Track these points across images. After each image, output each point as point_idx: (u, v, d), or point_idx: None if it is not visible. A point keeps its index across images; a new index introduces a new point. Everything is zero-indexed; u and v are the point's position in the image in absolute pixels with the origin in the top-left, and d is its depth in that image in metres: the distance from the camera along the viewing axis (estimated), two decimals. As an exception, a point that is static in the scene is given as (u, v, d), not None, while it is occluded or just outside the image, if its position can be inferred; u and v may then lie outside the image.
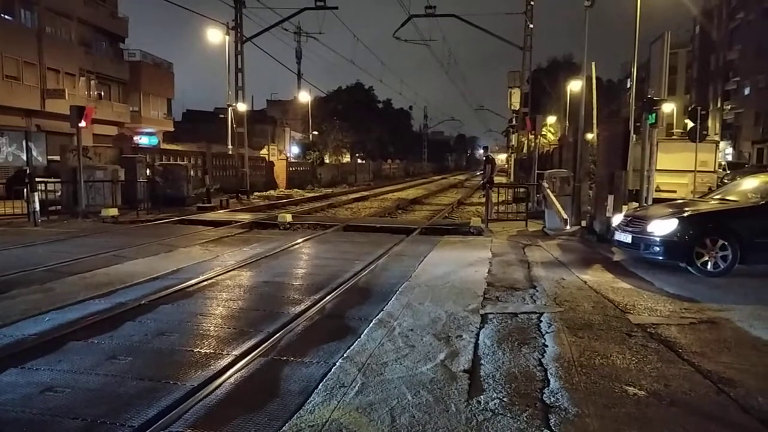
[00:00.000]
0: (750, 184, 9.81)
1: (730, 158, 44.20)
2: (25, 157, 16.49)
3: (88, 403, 3.82)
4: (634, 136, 11.71)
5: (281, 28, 29.76)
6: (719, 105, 54.69)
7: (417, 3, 29.73)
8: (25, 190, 14.33)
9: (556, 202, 13.01)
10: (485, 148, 20.14)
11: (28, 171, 16.10)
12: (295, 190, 30.60)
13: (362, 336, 5.18)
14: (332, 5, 27.23)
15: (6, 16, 30.05)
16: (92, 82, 36.74)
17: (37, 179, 14.56)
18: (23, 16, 31.30)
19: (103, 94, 37.80)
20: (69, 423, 3.55)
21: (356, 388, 4.01)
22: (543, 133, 33.73)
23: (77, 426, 3.52)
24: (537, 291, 7.12)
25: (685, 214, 8.73)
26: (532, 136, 26.66)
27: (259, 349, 4.85)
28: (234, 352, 4.81)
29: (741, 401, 3.94)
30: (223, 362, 4.57)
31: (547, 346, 4.99)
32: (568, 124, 32.22)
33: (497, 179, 24.46)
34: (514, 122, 33.76)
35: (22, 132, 29.06)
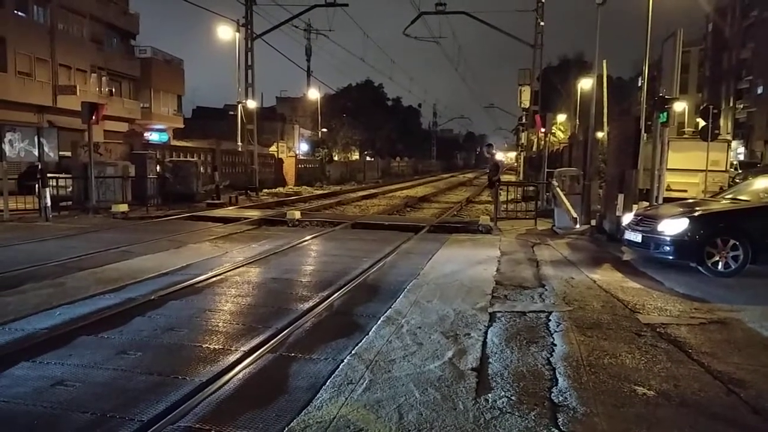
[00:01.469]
0: (762, 183, 9.72)
1: (742, 157, 43.78)
2: (36, 153, 16.64)
3: (98, 397, 3.85)
4: (645, 134, 11.64)
5: (291, 26, 29.83)
6: (731, 104, 54.19)
7: (427, 0, 29.67)
8: (36, 185, 14.44)
9: (566, 201, 12.95)
10: (489, 146, 20.01)
11: (39, 167, 16.22)
12: (304, 187, 30.64)
13: (370, 333, 5.19)
14: (342, 2, 27.27)
15: (19, 13, 30.28)
16: (103, 78, 36.96)
17: (48, 175, 14.67)
18: (36, 12, 31.54)
19: (114, 90, 38.02)
20: (79, 417, 3.58)
21: (364, 385, 4.02)
22: (553, 131, 33.58)
23: (87, 420, 3.54)
24: (546, 290, 7.09)
25: (696, 214, 8.66)
26: (542, 135, 26.54)
27: (267, 346, 4.86)
28: (242, 348, 4.83)
29: (752, 402, 3.91)
30: (232, 358, 4.59)
31: (555, 345, 4.97)
32: (578, 123, 32.05)
33: (505, 177, 24.37)
34: (524, 120, 33.64)
35: (34, 128, 29.37)
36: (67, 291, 6.65)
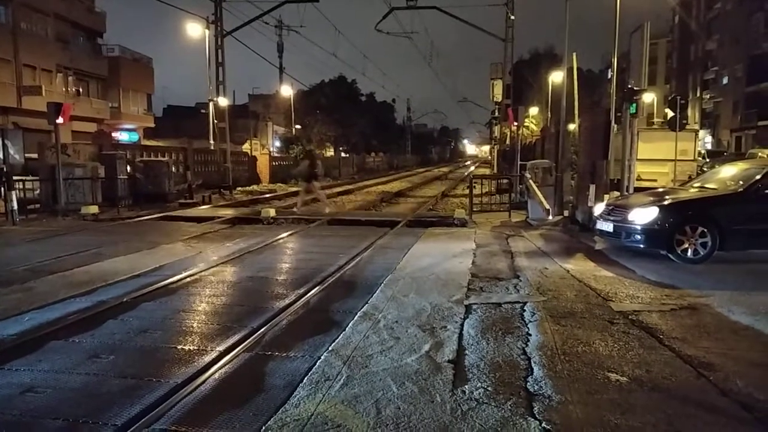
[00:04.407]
0: (728, 171, 9.95)
1: (709, 147, 44.86)
2: (1, 155, 16.17)
3: (70, 403, 3.78)
4: (615, 126, 11.81)
5: (262, 22, 29.46)
6: (698, 94, 55.36)
7: (398, -5, 29.57)
8: (2, 188, 14.08)
9: (539, 193, 13.09)
10: (309, 140, 20.17)
11: (5, 169, 15.80)
12: (279, 184, 30.40)
13: (347, 329, 5.18)
14: (313, -2, 27.08)
15: (-21, 12, 29.45)
16: (70, 78, 36.17)
17: (14, 177, 14.31)
18: (-3, 11, 30.70)
19: (81, 90, 37.25)
20: (51, 423, 3.50)
21: (341, 381, 4.01)
22: (525, 124, 33.87)
23: (59, 426, 3.47)
24: (520, 281, 7.16)
25: (666, 203, 8.83)
26: (514, 128, 26.75)
27: (243, 345, 4.82)
28: (218, 348, 4.78)
29: (720, 385, 4.00)
30: (207, 358, 4.54)
31: (530, 335, 5.02)
32: (550, 115, 32.41)
33: (480, 171, 24.57)
34: (496, 114, 33.87)
35: (-2, 130, 28.46)
36: (37, 295, 6.50)
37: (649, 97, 25.06)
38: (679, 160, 16.46)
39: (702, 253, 8.29)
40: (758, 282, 7.44)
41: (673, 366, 4.35)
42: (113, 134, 37.99)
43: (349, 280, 7.47)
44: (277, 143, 52.53)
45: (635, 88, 11.31)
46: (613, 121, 11.66)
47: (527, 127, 36.75)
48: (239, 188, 26.10)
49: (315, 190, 16.68)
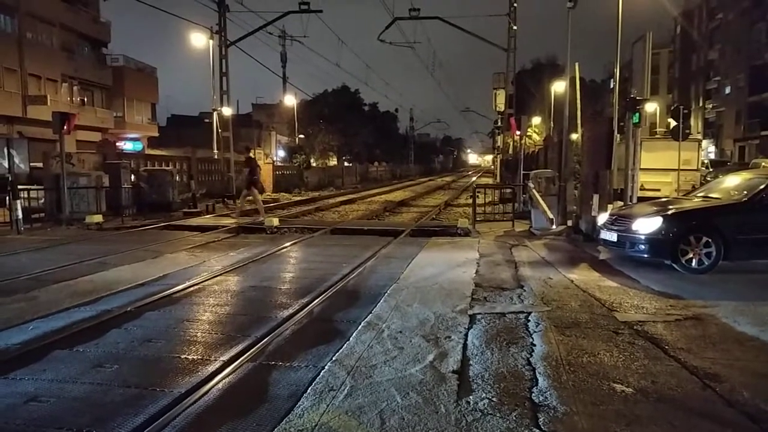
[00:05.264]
0: (732, 181, 9.94)
1: (712, 156, 44.85)
2: (6, 165, 16.22)
3: (74, 413, 3.77)
4: (618, 135, 11.81)
5: (266, 32, 29.66)
6: (701, 104, 55.41)
7: (401, 6, 29.85)
8: (7, 198, 14.13)
9: (542, 202, 13.08)
10: (247, 149, 20.22)
11: (9, 178, 15.88)
12: (282, 194, 30.46)
13: (351, 339, 5.17)
14: (316, 9, 27.27)
15: (-15, 22, 29.70)
16: (75, 87, 36.40)
17: (19, 187, 14.36)
18: (3, 21, 30.94)
19: (86, 99, 37.46)
20: (54, 433, 3.50)
21: (345, 391, 4.00)
22: (528, 133, 33.90)
23: (63, 436, 3.47)
24: (524, 291, 7.15)
25: (669, 212, 8.82)
26: (517, 137, 26.80)
27: (247, 354, 4.81)
28: (222, 358, 4.78)
29: (726, 396, 3.98)
30: (211, 368, 4.54)
31: (535, 345, 5.01)
32: (552, 125, 32.46)
33: (483, 180, 24.63)
34: (499, 123, 33.93)
35: (3, 139, 28.54)
36: (41, 304, 6.51)
37: (651, 107, 25.08)
38: (682, 170, 16.43)
39: (706, 263, 8.27)
40: (763, 292, 7.41)
41: (679, 377, 4.32)
42: (117, 143, 38.13)
43: (353, 289, 7.46)
44: (281, 152, 52.66)
45: (638, 98, 11.32)
46: (615, 131, 11.67)
47: (530, 137, 36.77)
48: (243, 197, 26.09)
49: (255, 197, 16.75)
